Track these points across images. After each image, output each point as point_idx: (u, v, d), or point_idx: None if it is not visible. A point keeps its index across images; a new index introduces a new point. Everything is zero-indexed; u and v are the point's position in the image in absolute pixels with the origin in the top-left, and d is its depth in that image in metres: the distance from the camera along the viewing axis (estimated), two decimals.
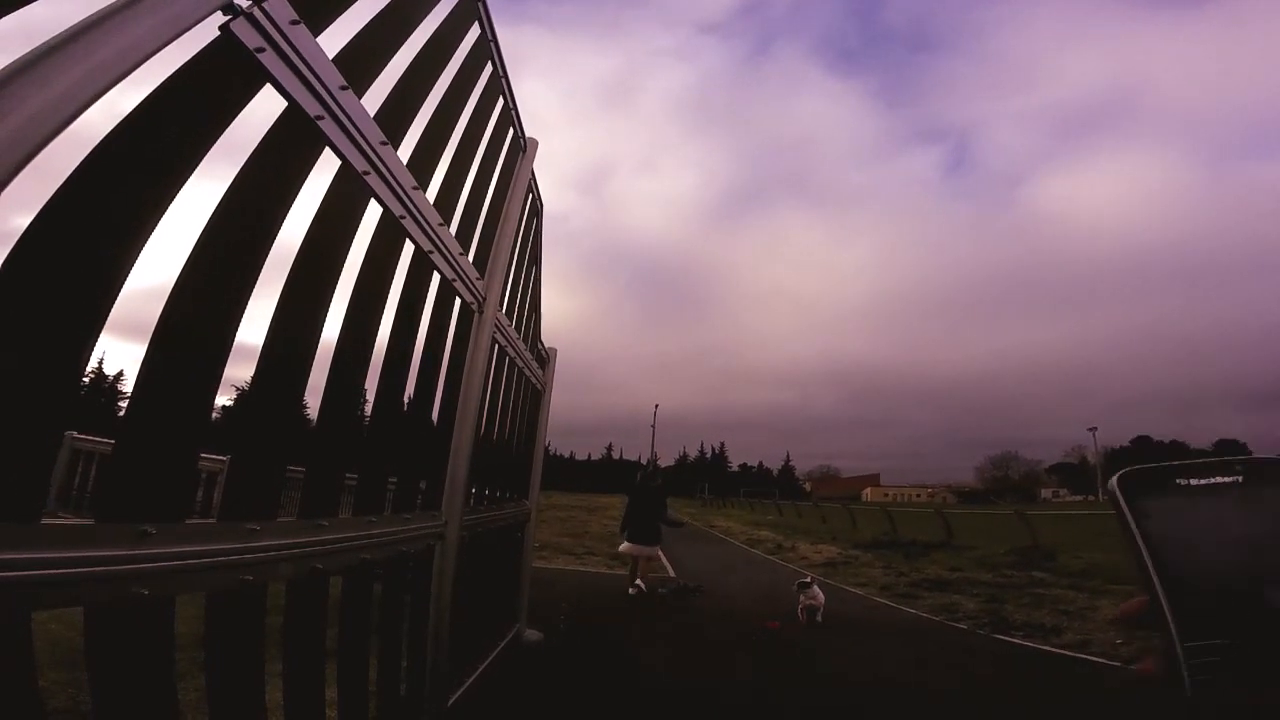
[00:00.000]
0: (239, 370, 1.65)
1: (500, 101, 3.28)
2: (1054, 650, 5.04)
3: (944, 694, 4.05)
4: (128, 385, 64.44)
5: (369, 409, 2.36)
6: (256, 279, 1.49)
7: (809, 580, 6.59)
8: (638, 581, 7.69)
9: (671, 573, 10.06)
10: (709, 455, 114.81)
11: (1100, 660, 4.66)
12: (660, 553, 6.71)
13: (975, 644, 5.43)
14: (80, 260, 1.08)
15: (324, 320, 1.80)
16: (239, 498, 1.55)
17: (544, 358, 5.52)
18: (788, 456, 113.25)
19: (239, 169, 1.44)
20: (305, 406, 2.14)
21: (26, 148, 0.90)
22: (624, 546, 8.02)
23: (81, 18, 0.99)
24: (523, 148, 3.86)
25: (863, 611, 7.07)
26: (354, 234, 1.92)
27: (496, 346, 3.57)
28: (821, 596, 6.39)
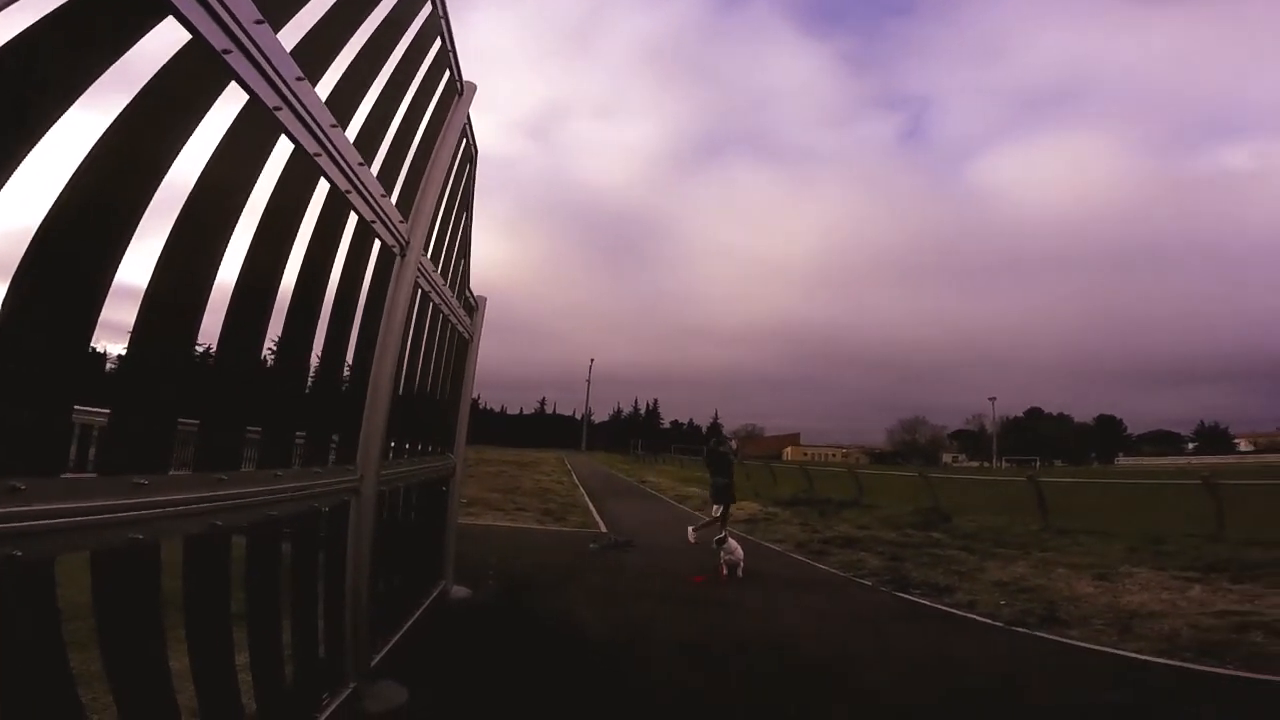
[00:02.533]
0: (127, 315, 1.48)
1: (438, 43, 3.14)
2: (946, 609, 5.50)
3: (847, 645, 4.37)
4: None
5: (275, 356, 2.19)
6: (141, 216, 1.37)
7: (726, 536, 6.88)
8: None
9: (603, 527, 10.25)
10: (643, 411, 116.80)
11: (984, 619, 5.09)
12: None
13: (877, 600, 5.86)
14: None
15: (219, 261, 1.68)
16: (122, 451, 1.44)
17: (473, 306, 5.33)
18: (716, 414, 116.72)
19: (130, 100, 1.33)
20: (202, 353, 1.96)
21: None
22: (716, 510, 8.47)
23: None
24: (459, 91, 3.68)
25: (779, 567, 7.46)
26: (260, 171, 1.79)
27: (420, 291, 3.41)
28: (740, 552, 6.70)
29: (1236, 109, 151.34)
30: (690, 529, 8.52)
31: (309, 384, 2.44)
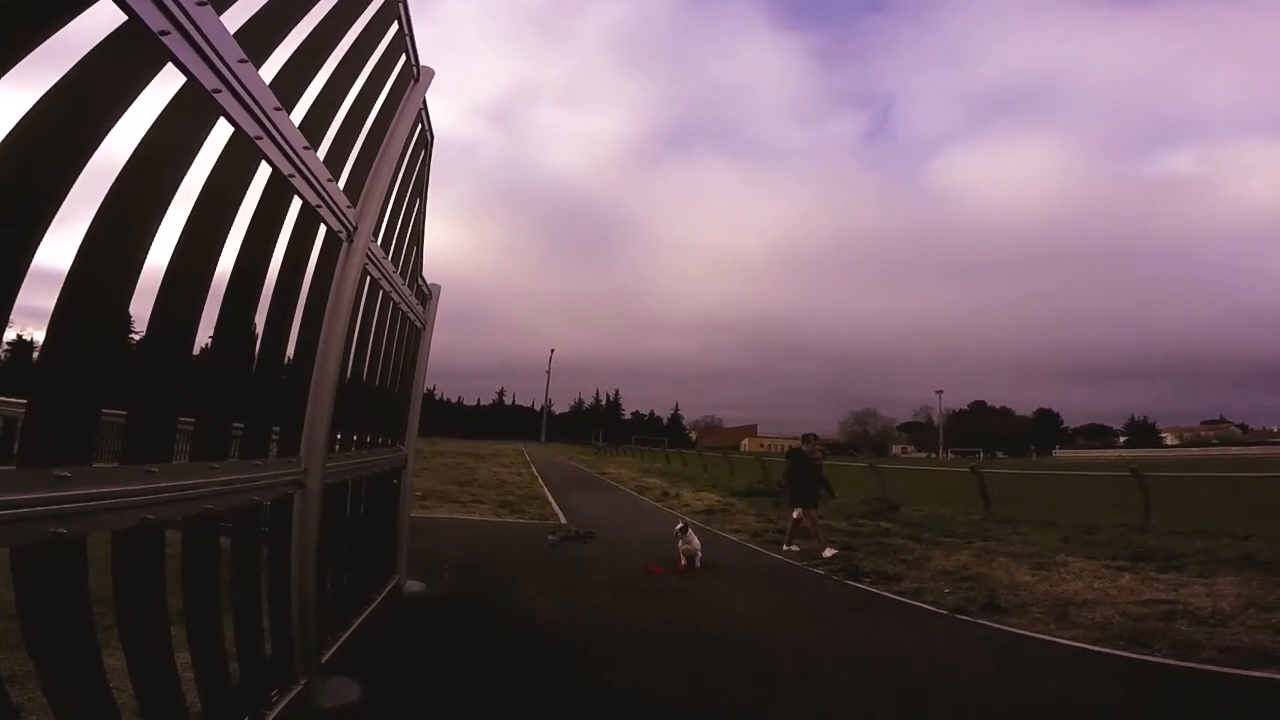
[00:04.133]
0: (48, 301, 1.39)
1: (394, 26, 3.07)
2: (894, 596, 5.70)
3: (800, 634, 4.50)
4: None
5: (211, 344, 2.08)
6: (63, 198, 1.32)
7: (684, 526, 6.95)
8: (793, 546, 7.98)
9: (563, 519, 10.20)
10: (604, 402, 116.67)
11: (929, 607, 5.29)
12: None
13: (830, 589, 6.02)
14: None
15: (149, 244, 1.62)
16: (42, 442, 1.38)
17: (426, 294, 5.20)
18: (676, 406, 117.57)
19: (58, 79, 1.28)
20: (129, 340, 1.84)
21: None
22: (804, 513, 8.07)
23: None
24: (415, 76, 3.60)
25: (736, 557, 7.59)
26: (196, 154, 1.74)
27: (369, 279, 3.31)
28: (698, 542, 6.77)
29: (1182, 114, 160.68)
30: (785, 546, 8.00)
31: (248, 373, 2.33)
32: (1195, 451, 67.05)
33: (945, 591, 5.77)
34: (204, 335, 1.97)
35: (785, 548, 7.93)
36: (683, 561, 6.59)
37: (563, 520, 10.11)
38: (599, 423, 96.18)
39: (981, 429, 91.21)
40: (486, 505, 11.41)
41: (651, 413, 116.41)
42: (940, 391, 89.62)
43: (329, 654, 3.13)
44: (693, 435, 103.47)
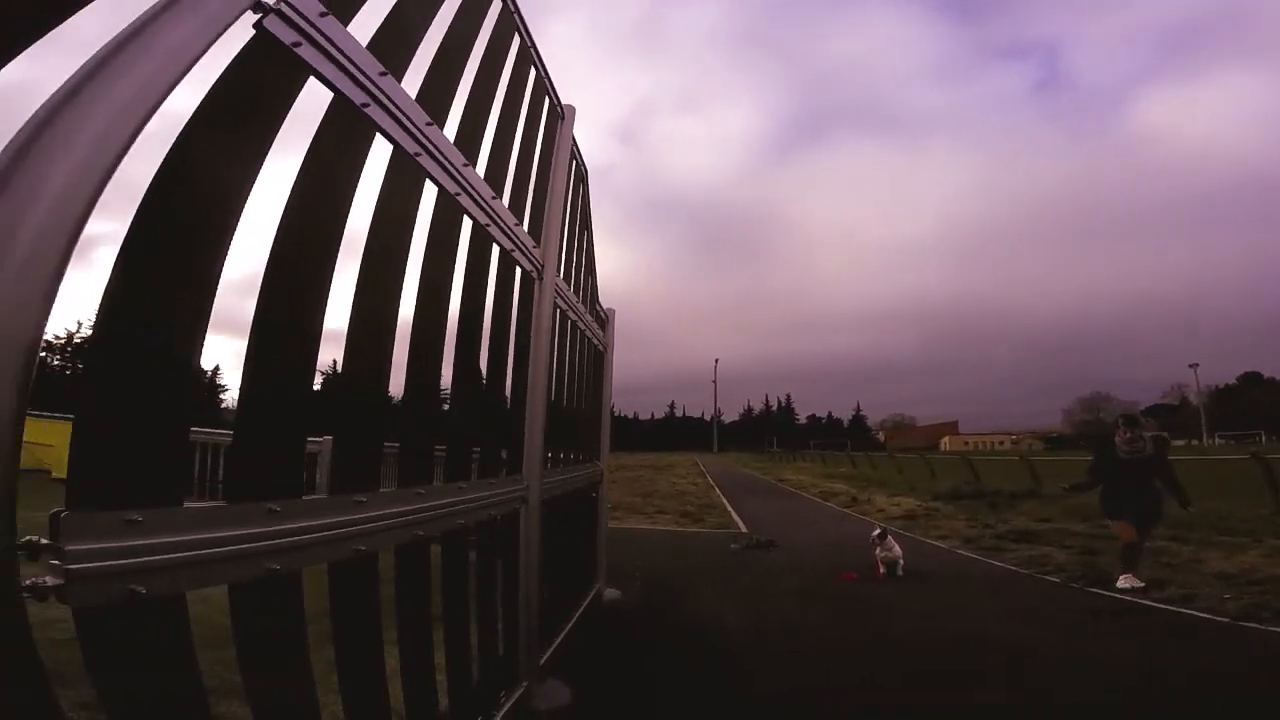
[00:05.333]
0: (326, 354, 1.72)
1: (533, 72, 3.24)
2: (1153, 604, 4.75)
3: (1028, 648, 3.89)
4: (224, 379, 69.68)
5: (448, 380, 2.43)
6: (334, 267, 1.56)
7: (883, 532, 6.45)
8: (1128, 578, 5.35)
9: (743, 527, 10.12)
10: (775, 408, 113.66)
11: (1204, 615, 4.35)
12: None
13: (1068, 598, 5.18)
14: (177, 266, 1.14)
15: (399, 301, 1.87)
16: (344, 474, 1.65)
17: (603, 319, 5.56)
18: (858, 406, 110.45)
19: (301, 163, 1.49)
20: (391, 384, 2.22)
21: (105, 160, 0.94)
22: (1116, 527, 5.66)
23: (115, 32, 1.00)
24: (561, 115, 3.82)
25: (945, 565, 6.88)
26: (415, 215, 1.97)
27: (559, 311, 3.60)
28: (899, 549, 6.26)
29: None
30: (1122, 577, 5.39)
31: (479, 404, 2.66)
32: None
33: (1225, 597, 4.72)
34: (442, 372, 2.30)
35: (1118, 584, 5.33)
36: (881, 570, 6.13)
37: (743, 529, 10.01)
38: (771, 429, 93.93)
39: (1256, 406, 72.12)
40: (669, 515, 11.72)
41: (829, 414, 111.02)
42: (1195, 365, 72.99)
43: (544, 658, 3.29)
44: (880, 437, 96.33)
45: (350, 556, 1.59)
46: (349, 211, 1.63)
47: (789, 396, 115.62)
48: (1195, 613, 4.44)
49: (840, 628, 4.44)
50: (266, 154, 1.33)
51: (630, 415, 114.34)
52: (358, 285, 1.74)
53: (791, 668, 3.68)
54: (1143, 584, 5.21)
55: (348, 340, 1.71)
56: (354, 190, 1.64)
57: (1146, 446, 5.51)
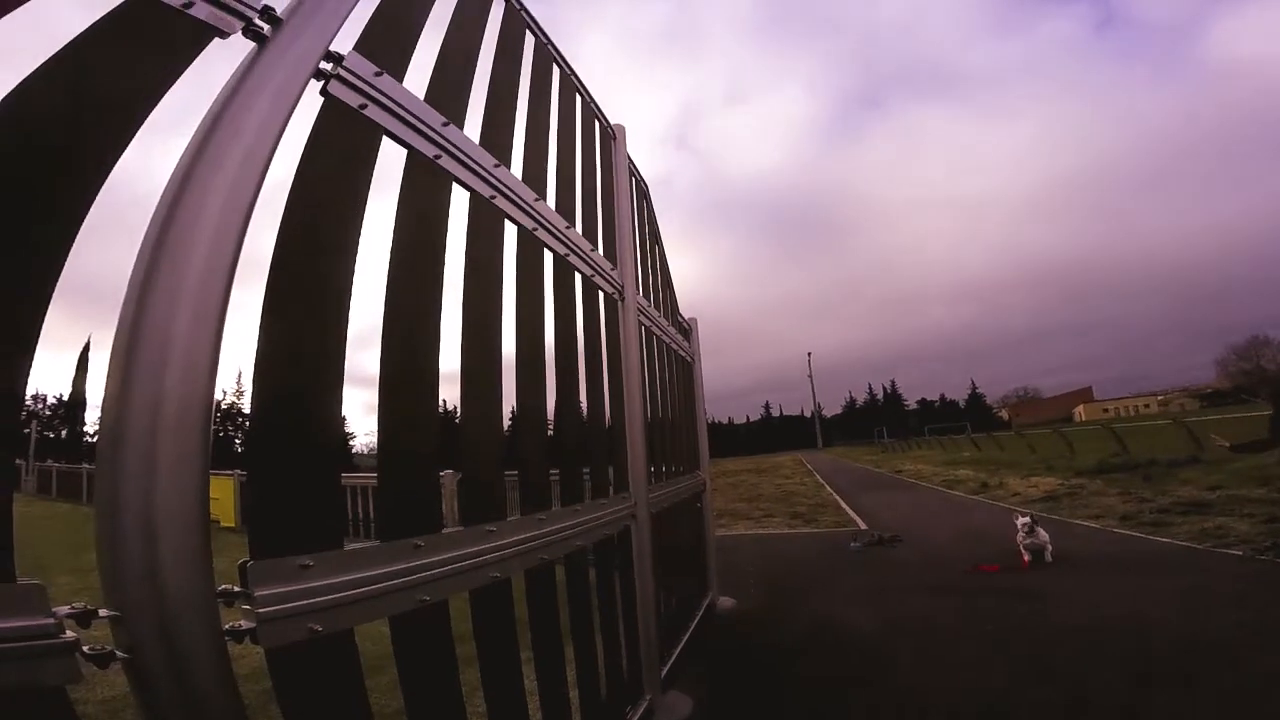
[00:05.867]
0: (445, 394, 1.86)
1: (579, 99, 3.31)
2: None
3: (1218, 631, 3.43)
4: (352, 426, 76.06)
5: (551, 409, 2.54)
6: (440, 314, 1.68)
7: (1029, 517, 5.92)
8: None
9: (862, 524, 9.66)
10: (879, 396, 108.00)
11: None
12: None
13: (1255, 572, 4.50)
14: (310, 331, 1.29)
15: (500, 338, 1.99)
16: (473, 505, 1.77)
17: (686, 329, 5.59)
18: (973, 384, 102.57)
19: (394, 220, 1.62)
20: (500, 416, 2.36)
21: (232, 236, 1.08)
22: None
23: (203, 112, 1.15)
24: (613, 136, 3.87)
25: (1101, 546, 6.20)
26: (501, 255, 2.08)
27: (643, 329, 3.67)
28: (1045, 534, 5.73)
29: None
30: None
31: (584, 428, 2.75)
32: None
33: None
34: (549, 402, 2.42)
35: None
36: (1026, 558, 5.63)
37: (862, 525, 9.54)
38: (879, 419, 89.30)
39: None
40: (778, 518, 11.40)
41: (942, 397, 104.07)
42: None
43: (665, 669, 3.31)
44: (1003, 414, 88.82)
45: (487, 583, 1.71)
46: (444, 260, 1.75)
47: (893, 383, 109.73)
48: None
49: (980, 622, 4.12)
50: (364, 214, 1.45)
51: (725, 421, 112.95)
52: (463, 329, 1.87)
53: (922, 668, 3.46)
54: None
55: (462, 380, 1.84)
56: (444, 238, 1.76)
57: None
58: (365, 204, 1.46)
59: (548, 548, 2.03)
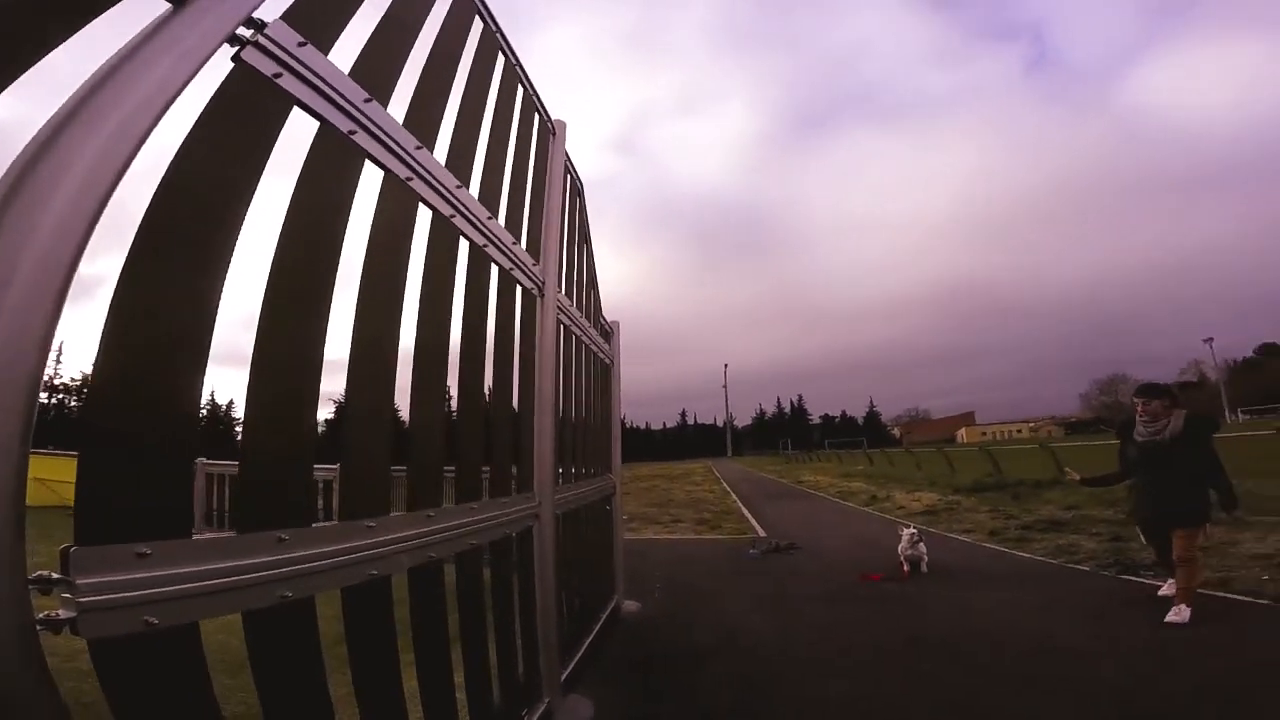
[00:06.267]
0: (331, 384, 1.73)
1: (520, 90, 3.26)
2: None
3: (1059, 639, 3.81)
4: (237, 411, 70.41)
5: (454, 403, 2.43)
6: (331, 296, 1.57)
7: (914, 529, 6.37)
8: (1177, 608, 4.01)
9: (761, 532, 10.03)
10: (787, 410, 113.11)
11: (1245, 598, 4.24)
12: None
13: (1097, 587, 5.07)
14: (175, 298, 1.16)
15: (399, 326, 1.88)
16: (352, 500, 1.66)
17: (608, 332, 5.57)
18: (871, 402, 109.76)
19: (292, 193, 1.51)
20: (397, 409, 2.23)
21: (95, 199, 0.95)
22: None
23: (93, 68, 1.02)
24: (552, 131, 3.85)
25: (972, 559, 6.76)
26: (410, 240, 1.98)
27: (562, 327, 3.62)
28: (923, 546, 6.17)
29: None
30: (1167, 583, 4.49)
31: (486, 424, 2.67)
32: None
33: (1264, 579, 4.60)
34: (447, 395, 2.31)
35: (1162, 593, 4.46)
36: (905, 568, 6.05)
37: (761, 533, 9.91)
38: (785, 431, 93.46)
39: (1278, 380, 70.82)
40: (686, 524, 11.63)
41: (843, 413, 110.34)
42: (1210, 339, 71.82)
43: (565, 673, 3.29)
44: (896, 432, 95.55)
45: (363, 581, 1.60)
46: (343, 239, 1.64)
47: (801, 397, 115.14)
48: (1236, 596, 4.34)
49: (866, 630, 4.37)
50: (257, 185, 1.35)
51: (641, 426, 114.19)
52: (357, 311, 1.76)
53: (813, 674, 3.62)
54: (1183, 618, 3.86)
55: (350, 366, 1.73)
56: (347, 217, 1.65)
57: (1171, 425, 4.21)
58: (259, 173, 1.36)
59: (437, 546, 1.94)
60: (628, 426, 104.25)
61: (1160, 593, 4.43)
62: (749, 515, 12.81)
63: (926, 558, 6.10)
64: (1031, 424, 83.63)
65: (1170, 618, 3.89)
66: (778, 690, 3.35)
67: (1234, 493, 4.16)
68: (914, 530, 6.38)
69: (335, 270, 1.59)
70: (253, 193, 1.34)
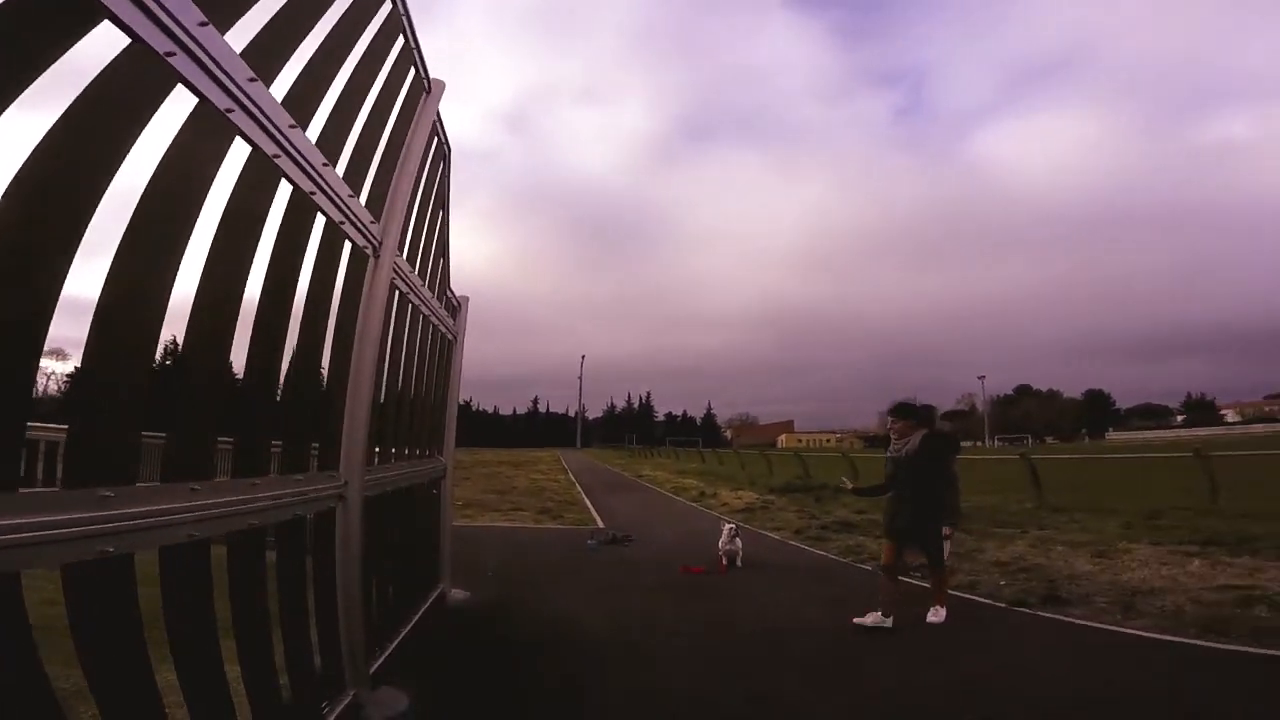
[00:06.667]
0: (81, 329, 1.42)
1: (400, 41, 3.07)
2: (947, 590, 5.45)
3: (847, 629, 4.33)
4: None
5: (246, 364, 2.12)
6: (86, 226, 1.33)
7: (733, 526, 6.86)
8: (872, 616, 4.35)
9: (601, 523, 10.20)
10: (637, 405, 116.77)
11: (985, 600, 5.07)
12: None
13: (877, 584, 5.80)
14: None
15: (176, 268, 1.64)
16: (85, 463, 1.41)
17: (455, 306, 5.26)
18: (709, 405, 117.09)
19: (69, 104, 1.30)
20: (164, 363, 1.90)
21: None
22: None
23: None
24: (426, 89, 3.62)
25: (779, 555, 7.44)
26: (215, 175, 1.76)
27: (397, 293, 3.35)
28: (739, 542, 6.67)
29: (1235, 76, 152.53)
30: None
31: (284, 391, 2.37)
32: (1259, 428, 63.30)
33: (1001, 584, 5.56)
34: (236, 354, 2.00)
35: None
36: (724, 561, 6.50)
37: (601, 524, 10.11)
38: (632, 426, 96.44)
39: (1028, 414, 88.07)
40: (526, 512, 11.50)
41: (684, 413, 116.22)
42: (983, 377, 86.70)
43: (377, 664, 3.16)
44: (728, 434, 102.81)
45: (94, 558, 1.36)
46: (120, 162, 1.41)
47: (649, 394, 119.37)
48: (979, 599, 5.15)
49: (685, 616, 4.64)
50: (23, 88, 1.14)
51: (491, 410, 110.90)
52: (122, 247, 1.49)
53: (637, 656, 3.77)
54: (888, 623, 4.21)
55: (99, 308, 1.45)
56: (131, 142, 1.42)
57: (909, 444, 4.43)
58: (23, 73, 1.15)
59: (201, 523, 1.69)
60: (474, 410, 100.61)
61: (854, 620, 4.34)
62: (590, 505, 12.99)
63: (742, 552, 6.60)
64: (839, 435, 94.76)
65: (930, 618, 4.40)
66: (600, 681, 3.41)
67: (958, 511, 4.63)
68: (733, 526, 6.91)
69: (97, 197, 1.35)
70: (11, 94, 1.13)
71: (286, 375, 2.37)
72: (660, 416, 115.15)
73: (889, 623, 4.26)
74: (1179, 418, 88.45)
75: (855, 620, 4.33)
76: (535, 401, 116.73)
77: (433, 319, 4.38)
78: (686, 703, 3.15)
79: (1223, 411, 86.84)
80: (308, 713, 2.44)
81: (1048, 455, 16.65)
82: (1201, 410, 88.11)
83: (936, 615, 4.44)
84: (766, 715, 3.05)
